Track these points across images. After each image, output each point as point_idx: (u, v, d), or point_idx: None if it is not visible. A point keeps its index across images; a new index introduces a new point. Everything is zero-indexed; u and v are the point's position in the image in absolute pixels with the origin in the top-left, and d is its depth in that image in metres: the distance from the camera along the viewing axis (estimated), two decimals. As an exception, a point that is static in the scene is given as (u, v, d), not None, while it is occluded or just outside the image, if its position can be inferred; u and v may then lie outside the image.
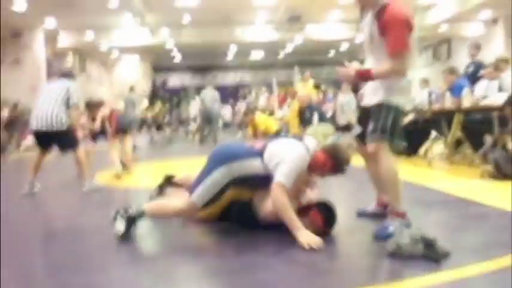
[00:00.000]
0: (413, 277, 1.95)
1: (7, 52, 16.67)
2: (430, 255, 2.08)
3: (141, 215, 2.67)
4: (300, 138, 3.03)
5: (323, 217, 2.65)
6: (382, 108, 2.61)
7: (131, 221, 2.65)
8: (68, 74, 5.01)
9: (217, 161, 2.68)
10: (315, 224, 2.62)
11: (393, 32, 2.46)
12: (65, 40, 18.85)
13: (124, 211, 2.66)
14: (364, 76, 2.59)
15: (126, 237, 2.62)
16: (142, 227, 2.80)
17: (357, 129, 2.91)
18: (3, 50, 16.37)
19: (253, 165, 2.67)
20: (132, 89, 11.88)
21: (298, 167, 2.62)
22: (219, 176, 2.63)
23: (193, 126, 13.12)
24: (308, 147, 2.72)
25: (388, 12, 2.47)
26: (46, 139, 4.62)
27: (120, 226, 2.63)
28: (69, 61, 19.95)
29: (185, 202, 2.68)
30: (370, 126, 2.63)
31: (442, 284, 1.88)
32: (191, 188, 2.70)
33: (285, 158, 2.61)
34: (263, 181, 2.65)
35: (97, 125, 6.00)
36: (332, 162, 2.70)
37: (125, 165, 5.89)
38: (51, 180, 4.98)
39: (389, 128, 2.58)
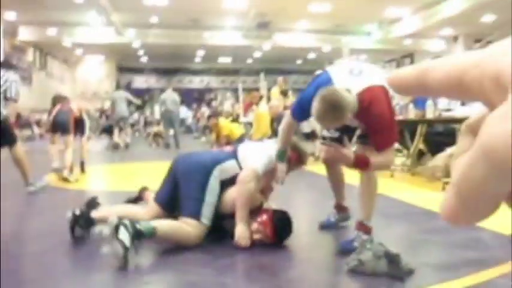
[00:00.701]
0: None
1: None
2: (394, 272, 1.95)
3: (152, 232, 2.30)
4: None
5: (274, 226, 2.50)
6: None
7: (138, 237, 2.23)
8: (5, 65, 4.71)
9: (201, 171, 2.57)
10: (264, 232, 2.49)
11: (382, 132, 2.28)
12: (25, 34, 18.11)
13: (130, 223, 2.22)
14: (361, 165, 2.32)
15: (127, 253, 2.15)
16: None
17: (334, 133, 2.74)
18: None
19: (232, 166, 2.66)
20: (118, 86, 11.61)
21: (271, 163, 2.65)
22: (214, 185, 2.57)
23: (154, 128, 12.74)
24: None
25: (371, 114, 2.24)
26: None
27: (125, 239, 2.16)
28: (29, 56, 19.18)
29: (194, 225, 2.45)
30: (360, 132, 2.48)
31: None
32: (172, 207, 2.62)
33: (260, 152, 2.69)
34: None
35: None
36: (297, 155, 2.80)
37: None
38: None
39: None
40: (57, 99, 6.06)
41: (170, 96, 10.92)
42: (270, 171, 2.68)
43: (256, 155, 2.68)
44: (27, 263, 2.38)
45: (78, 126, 5.72)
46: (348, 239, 2.46)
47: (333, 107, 2.11)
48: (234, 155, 2.72)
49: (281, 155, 2.69)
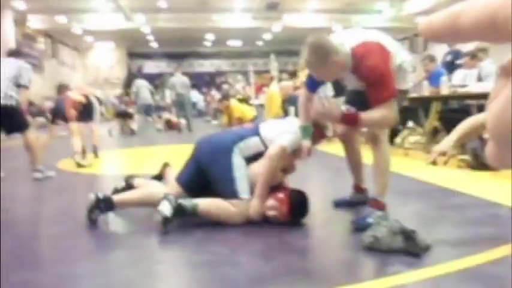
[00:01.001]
0: (392, 275, 1.79)
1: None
2: (410, 248, 1.93)
3: (194, 209, 2.40)
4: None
5: (291, 205, 2.49)
6: None
7: (179, 211, 2.36)
8: (16, 53, 4.71)
9: (223, 151, 2.56)
10: (281, 210, 2.48)
11: (377, 85, 2.19)
12: (35, 22, 18.15)
13: (174, 198, 2.38)
14: (350, 121, 2.27)
15: (167, 223, 2.33)
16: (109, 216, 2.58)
17: (350, 110, 2.70)
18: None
19: (255, 143, 2.63)
20: (129, 71, 11.79)
21: (298, 140, 2.61)
22: (238, 161, 2.55)
23: (165, 115, 12.76)
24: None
25: (365, 66, 2.19)
26: None
27: (166, 210, 2.32)
28: (41, 44, 19.25)
29: (236, 204, 2.47)
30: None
31: (422, 281, 1.73)
32: (193, 188, 2.61)
33: (287, 129, 2.64)
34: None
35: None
36: (318, 129, 2.74)
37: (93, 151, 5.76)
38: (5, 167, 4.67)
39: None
40: (60, 88, 6.11)
41: (180, 80, 10.90)
42: (296, 150, 2.64)
43: (283, 131, 2.63)
44: (45, 244, 2.41)
45: (85, 112, 5.71)
46: (361, 216, 2.44)
47: (317, 49, 2.13)
48: (256, 132, 2.68)
49: (305, 130, 2.64)
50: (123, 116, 11.27)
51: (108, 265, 2.04)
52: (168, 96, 12.78)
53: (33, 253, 2.26)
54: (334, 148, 5.91)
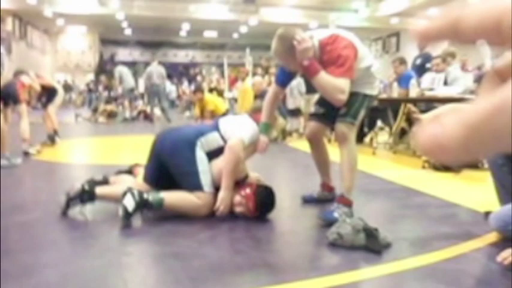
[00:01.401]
0: (353, 270, 1.86)
1: None
2: (372, 245, 2.00)
3: (159, 203, 2.42)
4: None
5: (257, 201, 2.54)
6: (357, 95, 2.57)
7: (143, 205, 2.38)
8: None
9: (186, 146, 2.58)
10: (247, 206, 2.53)
11: (336, 64, 2.37)
12: (4, 2, 17.53)
13: (138, 192, 2.39)
14: (309, 70, 2.36)
15: (128, 217, 2.34)
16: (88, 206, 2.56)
17: (319, 109, 2.82)
18: None
19: (215, 138, 2.66)
20: (101, 58, 11.81)
21: (255, 135, 2.70)
22: (201, 155, 2.59)
23: (140, 106, 12.65)
24: None
25: (328, 51, 2.41)
26: None
27: (129, 205, 2.33)
28: (8, 25, 18.62)
29: (200, 196, 2.50)
30: (343, 110, 2.55)
31: (381, 276, 1.80)
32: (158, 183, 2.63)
33: (243, 124, 2.72)
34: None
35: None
36: None
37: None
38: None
39: (360, 115, 2.59)
40: (16, 73, 5.94)
41: (156, 70, 10.78)
42: (253, 144, 2.71)
43: (241, 126, 2.70)
44: (12, 233, 2.37)
45: (48, 96, 5.83)
46: (328, 210, 2.51)
47: (284, 38, 2.36)
48: (215, 128, 2.71)
49: (265, 128, 2.76)
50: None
51: (74, 254, 2.03)
52: (142, 85, 12.69)
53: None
54: (304, 145, 6.01)
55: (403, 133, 5.61)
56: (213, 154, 2.64)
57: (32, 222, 2.52)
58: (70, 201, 2.52)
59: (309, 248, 2.22)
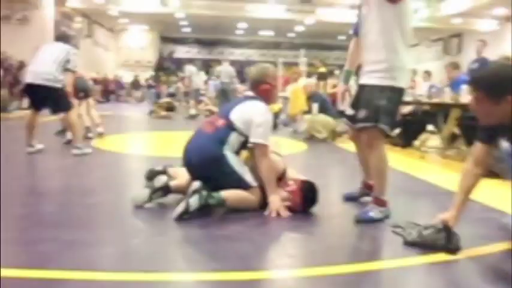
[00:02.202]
0: (393, 258, 2.07)
1: (15, 9, 16.58)
2: (450, 245, 2.11)
3: (221, 204, 2.60)
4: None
5: (303, 196, 2.74)
6: (374, 90, 2.58)
7: (204, 207, 2.54)
8: (65, 38, 5.04)
9: (217, 163, 2.71)
10: (293, 200, 2.73)
11: None
12: (74, 2, 18.70)
13: (207, 194, 2.54)
14: None
15: (186, 215, 2.49)
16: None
17: (349, 112, 2.88)
18: (12, 7, 16.29)
19: (235, 138, 2.77)
20: (161, 55, 12.65)
21: (268, 128, 2.83)
22: (234, 160, 2.74)
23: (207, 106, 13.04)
24: None
25: None
26: (39, 96, 4.62)
27: (194, 203, 2.50)
28: (78, 24, 19.83)
29: (252, 192, 2.71)
30: (362, 113, 2.60)
31: (418, 266, 1.99)
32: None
33: (254, 115, 2.78)
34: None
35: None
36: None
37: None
38: (44, 142, 5.05)
39: (384, 116, 2.55)
40: None
41: (226, 70, 11.24)
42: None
43: (257, 124, 2.76)
44: (82, 212, 2.74)
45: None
46: (365, 210, 2.67)
47: None
48: (230, 127, 2.78)
49: (346, 75, 3.01)
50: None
51: (136, 232, 2.35)
52: (212, 84, 13.23)
53: (67, 217, 2.59)
54: (354, 146, 6.12)
55: (453, 138, 5.59)
56: (240, 148, 2.83)
57: (99, 204, 2.87)
58: (153, 194, 2.74)
59: (348, 239, 2.41)
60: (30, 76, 4.57)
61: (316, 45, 25.03)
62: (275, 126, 8.70)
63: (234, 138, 2.77)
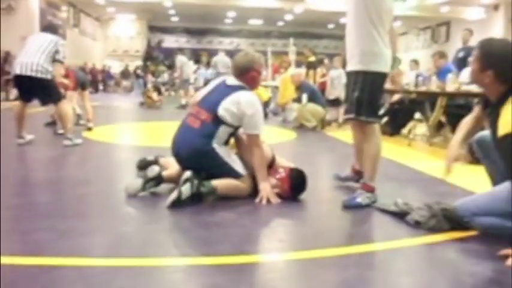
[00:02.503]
0: (384, 241, 2.17)
1: (1, -2, 16.33)
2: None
3: (213, 192, 2.66)
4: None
5: (291, 182, 2.81)
6: (358, 75, 2.65)
7: (196, 196, 2.60)
8: (52, 28, 4.99)
9: (207, 158, 2.75)
10: (282, 187, 2.80)
11: None
12: (60, -9, 18.44)
13: (197, 183, 2.60)
14: None
15: (179, 203, 2.54)
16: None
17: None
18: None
19: (223, 132, 2.80)
20: (149, 44, 12.60)
21: (261, 110, 2.87)
22: (223, 151, 2.79)
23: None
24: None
25: None
26: (28, 87, 4.58)
27: (186, 191, 2.56)
28: (64, 13, 19.57)
29: (242, 179, 2.78)
30: (346, 103, 2.76)
31: (408, 247, 2.07)
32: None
33: (246, 110, 2.78)
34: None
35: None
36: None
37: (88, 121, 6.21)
38: (34, 133, 5.05)
39: (362, 104, 2.64)
40: None
41: (222, 60, 11.26)
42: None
43: (250, 117, 2.77)
44: (74, 202, 2.78)
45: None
46: (352, 196, 2.75)
47: None
48: (218, 122, 2.77)
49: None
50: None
51: (128, 221, 2.40)
52: (202, 74, 13.23)
53: (60, 207, 2.63)
54: (342, 134, 6.19)
55: (440, 126, 5.69)
56: (229, 139, 2.88)
57: (92, 194, 2.91)
58: (146, 184, 2.78)
59: (335, 222, 2.49)
60: (18, 67, 4.53)
61: (305, 34, 25.02)
62: (265, 116, 8.77)
63: (222, 132, 2.79)
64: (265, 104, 9.25)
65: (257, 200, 2.72)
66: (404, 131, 6.43)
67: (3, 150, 4.41)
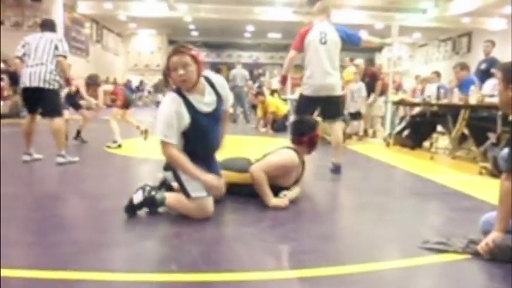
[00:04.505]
0: (410, 257, 2.12)
1: (26, 16, 16.86)
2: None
3: (162, 201, 2.67)
4: None
5: None
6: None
7: (148, 201, 2.66)
8: (49, 26, 4.76)
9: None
10: None
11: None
12: (83, 8, 18.92)
13: (149, 189, 2.67)
14: None
15: (132, 210, 2.64)
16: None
17: None
18: (23, 14, 16.59)
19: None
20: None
21: (164, 113, 2.62)
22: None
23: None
24: None
25: None
26: (35, 98, 4.47)
27: (137, 199, 2.64)
28: (87, 29, 20.06)
29: (193, 202, 2.62)
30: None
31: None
32: None
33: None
34: None
35: (101, 101, 6.50)
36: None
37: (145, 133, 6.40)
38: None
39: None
40: (94, 83, 6.63)
41: (240, 73, 11.42)
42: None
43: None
44: (98, 215, 2.81)
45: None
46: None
47: None
48: None
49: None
50: None
51: (153, 235, 2.42)
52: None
53: (83, 220, 2.67)
54: (363, 147, 6.12)
55: (463, 139, 5.60)
56: (186, 147, 2.66)
57: (113, 207, 2.92)
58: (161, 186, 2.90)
59: (360, 238, 2.46)
60: (27, 80, 4.40)
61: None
62: (285, 128, 8.77)
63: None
64: (284, 118, 9.27)
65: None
66: (426, 144, 6.35)
67: (24, 164, 4.48)
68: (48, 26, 4.75)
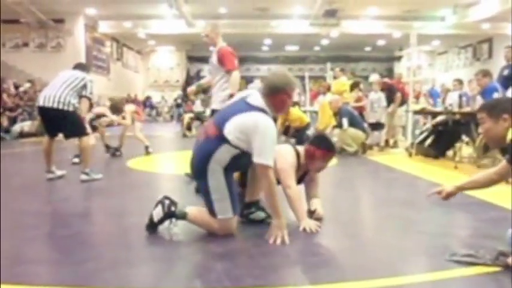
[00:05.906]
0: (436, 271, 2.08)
1: (50, 38, 17.38)
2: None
3: (183, 217, 2.63)
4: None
5: None
6: None
7: (168, 217, 2.63)
8: (81, 66, 5.06)
9: (200, 172, 2.58)
10: None
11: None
12: (103, 27, 19.39)
13: (169, 205, 2.62)
14: None
15: (152, 227, 2.65)
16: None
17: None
18: (46, 36, 17.12)
19: (227, 151, 2.51)
20: (188, 75, 12.89)
21: (273, 138, 2.50)
22: (215, 182, 2.55)
23: None
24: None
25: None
26: (51, 119, 4.57)
27: (157, 215, 2.62)
28: (108, 48, 20.52)
29: (218, 222, 2.58)
30: None
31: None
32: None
33: (254, 136, 2.45)
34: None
35: (128, 121, 6.95)
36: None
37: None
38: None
39: None
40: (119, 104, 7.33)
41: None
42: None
43: (259, 144, 2.45)
44: (121, 231, 2.83)
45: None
46: None
47: None
48: (221, 139, 2.51)
49: None
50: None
51: (171, 252, 2.42)
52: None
53: (107, 237, 2.69)
54: (385, 158, 6.04)
55: (487, 147, 5.47)
56: (232, 164, 2.56)
57: (136, 223, 2.93)
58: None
59: (382, 251, 2.41)
60: (41, 100, 4.54)
61: (342, 57, 24.99)
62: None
63: (223, 151, 2.51)
64: (304, 129, 9.24)
65: (266, 236, 2.52)
66: (450, 153, 6.24)
67: (47, 182, 4.56)
68: (80, 66, 5.06)
